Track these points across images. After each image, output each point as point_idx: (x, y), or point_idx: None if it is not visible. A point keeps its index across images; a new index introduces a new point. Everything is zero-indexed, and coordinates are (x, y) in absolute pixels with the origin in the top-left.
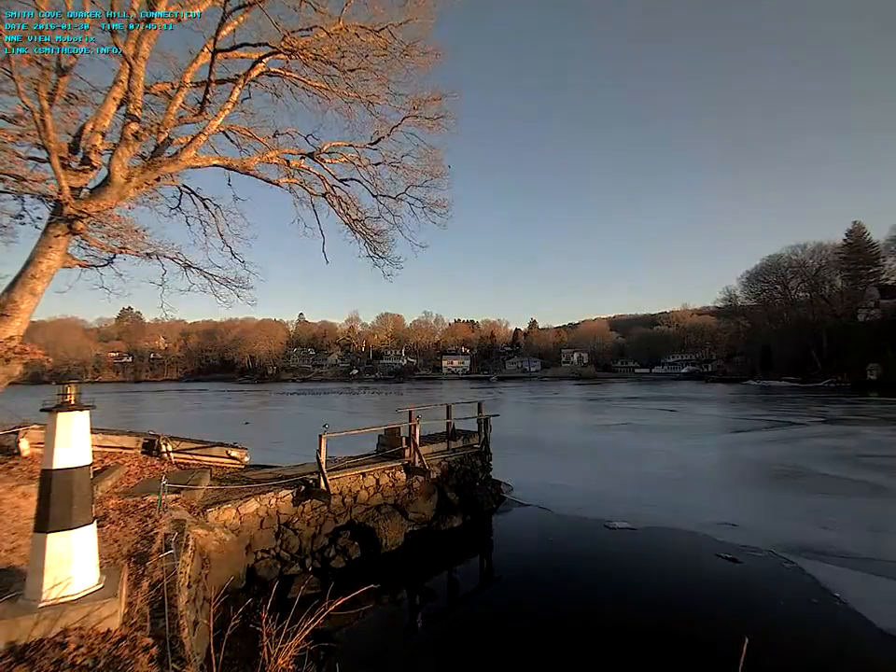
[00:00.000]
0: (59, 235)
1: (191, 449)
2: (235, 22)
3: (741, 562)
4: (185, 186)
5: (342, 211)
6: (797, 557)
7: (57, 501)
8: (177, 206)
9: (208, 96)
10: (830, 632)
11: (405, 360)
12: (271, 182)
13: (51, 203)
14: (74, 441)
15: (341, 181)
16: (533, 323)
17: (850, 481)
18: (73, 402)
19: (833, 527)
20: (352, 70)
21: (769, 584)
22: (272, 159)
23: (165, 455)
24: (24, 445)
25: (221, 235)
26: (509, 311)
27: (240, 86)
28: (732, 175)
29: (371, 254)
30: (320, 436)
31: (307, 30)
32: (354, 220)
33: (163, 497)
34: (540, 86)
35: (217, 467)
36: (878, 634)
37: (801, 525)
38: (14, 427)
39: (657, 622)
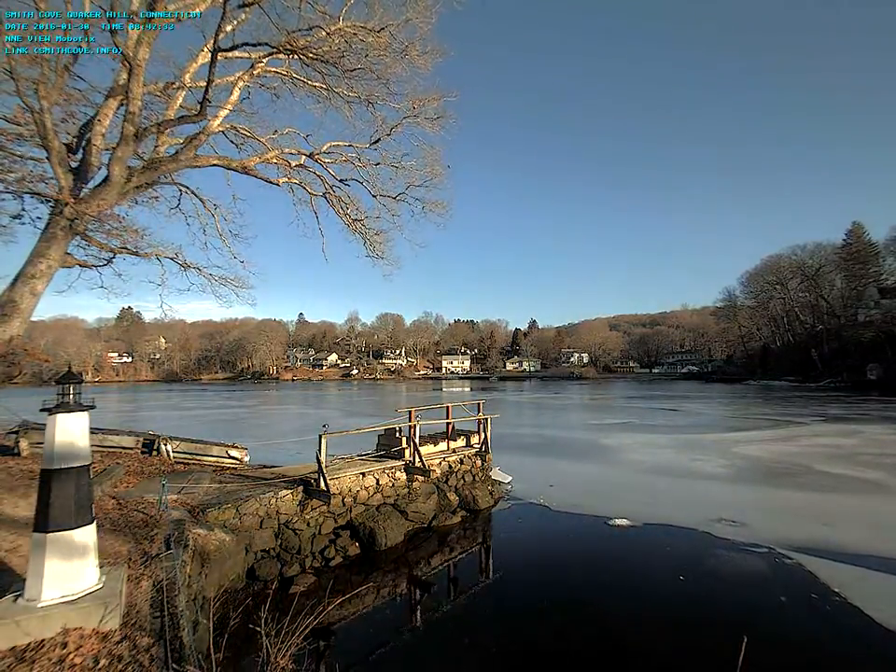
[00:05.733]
0: (59, 235)
1: (191, 449)
2: (235, 22)
3: (741, 558)
4: (185, 186)
5: (341, 211)
6: (797, 553)
7: (57, 501)
8: (177, 206)
9: (208, 96)
10: (830, 628)
11: (405, 360)
12: (271, 182)
13: (51, 203)
14: (74, 442)
15: (340, 181)
16: (533, 323)
17: (850, 478)
18: (73, 402)
19: (833, 524)
20: (352, 70)
21: (769, 580)
22: (271, 159)
23: (165, 454)
24: (24, 445)
25: (221, 235)
26: (509, 311)
27: (239, 86)
28: (732, 175)
29: (371, 254)
30: (320, 436)
31: (307, 30)
32: (353, 220)
33: (163, 497)
34: (541, 89)
35: (216, 467)
36: (879, 629)
37: (801, 522)
38: (14, 428)
39: (656, 618)
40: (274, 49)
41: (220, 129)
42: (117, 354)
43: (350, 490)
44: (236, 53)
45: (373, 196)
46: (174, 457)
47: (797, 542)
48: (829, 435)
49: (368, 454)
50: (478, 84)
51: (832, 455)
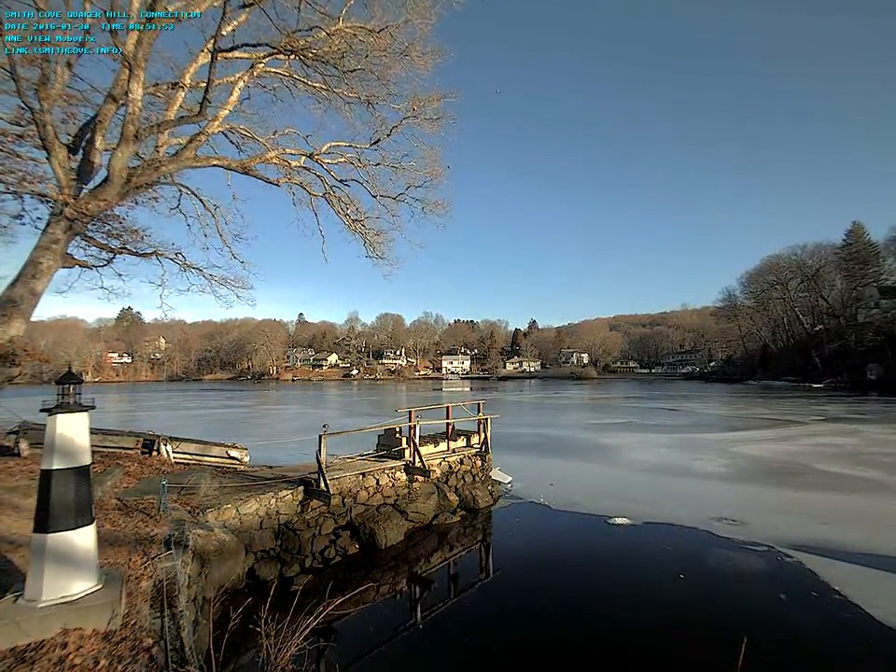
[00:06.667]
0: (59, 235)
1: (191, 449)
2: (235, 22)
3: (741, 557)
4: (185, 186)
5: (341, 211)
6: (797, 552)
7: (57, 501)
8: (177, 206)
9: (208, 96)
10: (830, 626)
11: (405, 361)
12: (270, 182)
13: (51, 204)
14: (74, 442)
15: (340, 182)
16: (533, 323)
17: (850, 477)
18: (73, 402)
19: (832, 523)
20: (352, 71)
21: (769, 579)
22: (271, 159)
23: (165, 455)
24: (24, 445)
25: (221, 235)
26: (509, 311)
27: (240, 86)
28: (732, 175)
29: (371, 254)
30: (320, 436)
31: (307, 30)
32: (353, 221)
33: (163, 497)
34: (544, 89)
35: (217, 467)
36: (878, 627)
37: (801, 521)
38: (14, 428)
39: (656, 617)
40: (275, 50)
41: (220, 129)
42: (117, 354)
43: (350, 490)
44: (236, 54)
45: (373, 196)
46: (174, 458)
47: (797, 541)
48: (828, 434)
49: (368, 454)
50: (479, 83)
51: (831, 455)
